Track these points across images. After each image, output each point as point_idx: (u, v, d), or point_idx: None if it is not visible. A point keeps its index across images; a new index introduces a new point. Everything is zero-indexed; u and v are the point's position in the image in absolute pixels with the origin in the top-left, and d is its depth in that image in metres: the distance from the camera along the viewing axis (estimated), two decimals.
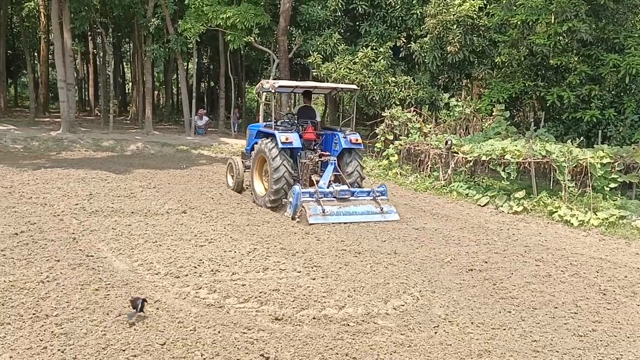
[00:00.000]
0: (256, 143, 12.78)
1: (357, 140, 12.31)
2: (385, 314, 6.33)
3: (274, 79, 24.82)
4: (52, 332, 5.36)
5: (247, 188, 13.68)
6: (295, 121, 12.86)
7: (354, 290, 6.93)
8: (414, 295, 6.95)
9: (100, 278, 6.87)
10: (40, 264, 7.28)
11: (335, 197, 11.30)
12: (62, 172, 14.43)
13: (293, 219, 10.97)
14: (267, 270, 7.52)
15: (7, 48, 33.40)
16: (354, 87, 14.85)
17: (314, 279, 7.30)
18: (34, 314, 5.74)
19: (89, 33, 35.02)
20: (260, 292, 6.61)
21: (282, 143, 11.55)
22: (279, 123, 12.62)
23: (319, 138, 12.75)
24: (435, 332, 5.95)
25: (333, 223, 10.64)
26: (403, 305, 6.60)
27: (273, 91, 12.48)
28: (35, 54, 36.23)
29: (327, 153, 12.32)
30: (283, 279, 7.23)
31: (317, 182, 11.58)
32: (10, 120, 26.99)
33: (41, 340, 5.19)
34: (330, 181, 11.62)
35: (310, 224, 10.47)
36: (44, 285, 6.53)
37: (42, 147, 20.44)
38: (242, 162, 13.89)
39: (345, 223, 10.71)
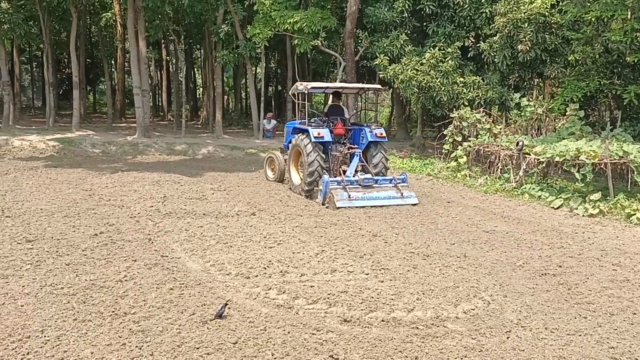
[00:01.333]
0: (293, 138, 14.32)
1: (381, 134, 13.73)
2: (455, 317, 6.25)
3: (341, 82, 24.98)
4: (130, 329, 5.58)
5: (286, 179, 14.82)
6: (326, 118, 14.34)
7: (423, 293, 6.87)
8: (485, 299, 6.82)
9: (175, 278, 7.10)
10: (118, 263, 7.59)
11: (360, 185, 12.73)
12: (138, 175, 14.97)
13: (323, 204, 12.43)
14: (335, 272, 7.56)
15: (86, 57, 35.00)
16: (378, 86, 17.08)
17: (382, 281, 7.28)
18: (113, 311, 5.99)
19: (162, 41, 36.22)
20: (329, 294, 6.66)
21: (315, 137, 13.08)
22: (312, 120, 14.04)
23: (348, 133, 14.23)
24: (508, 337, 5.82)
25: (358, 207, 12.00)
26: (474, 309, 6.49)
27: (306, 92, 13.93)
28: (112, 62, 37.75)
29: (355, 146, 13.71)
30: (351, 281, 7.25)
31: (345, 172, 13.18)
32: (90, 126, 28.24)
33: (120, 337, 5.41)
34: (356, 171, 13.11)
35: (338, 208, 11.90)
36: (122, 284, 6.81)
37: (119, 151, 21.27)
38: (282, 156, 15.37)
39: (369, 207, 12.05)
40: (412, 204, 12.49)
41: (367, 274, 7.52)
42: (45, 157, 18.93)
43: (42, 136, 21.51)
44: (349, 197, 12.24)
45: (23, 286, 6.60)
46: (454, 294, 6.90)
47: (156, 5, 22.07)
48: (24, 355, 5.03)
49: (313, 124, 13.68)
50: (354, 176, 12.92)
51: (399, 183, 13.00)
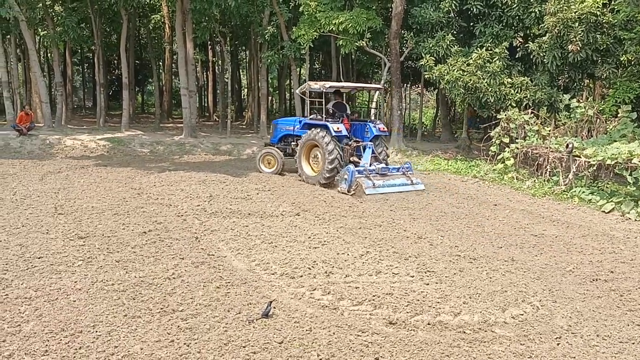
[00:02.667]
0: (287, 135, 16.83)
1: (383, 128, 15.58)
2: (503, 322, 6.14)
3: (385, 82, 24.88)
4: (178, 326, 5.67)
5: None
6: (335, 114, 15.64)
7: (470, 297, 6.77)
8: (534, 305, 6.68)
9: (221, 276, 7.18)
10: (166, 261, 7.73)
11: (377, 173, 14.17)
12: (185, 175, 15.21)
13: (348, 192, 13.61)
14: (380, 274, 7.52)
15: (135, 58, 35.77)
16: (379, 86, 18.90)
17: (428, 284, 7.21)
18: (161, 308, 6.10)
19: (209, 42, 36.70)
20: (374, 296, 6.63)
21: (335, 132, 14.58)
22: (319, 116, 15.48)
23: (351, 128, 15.69)
24: (558, 344, 5.70)
25: (382, 193, 13.43)
26: (522, 315, 6.37)
27: (324, 90, 15.06)
28: (160, 63, 38.46)
29: (359, 140, 15.44)
30: (396, 283, 7.20)
31: (356, 162, 14.68)
32: (138, 126, 28.85)
33: (168, 334, 5.51)
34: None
35: (367, 195, 13.22)
36: (170, 281, 6.93)
37: (167, 151, 21.65)
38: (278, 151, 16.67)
39: (390, 193, 13.52)
40: (420, 190, 14.16)
41: (412, 277, 7.46)
42: (95, 156, 19.43)
43: (92, 136, 22.08)
44: (374, 185, 13.65)
45: (75, 282, 6.78)
46: (502, 299, 6.78)
47: (203, 7, 22.37)
48: (76, 349, 5.17)
49: (330, 120, 15.03)
50: (370, 166, 14.39)
51: (407, 171, 14.68)
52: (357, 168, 14.05)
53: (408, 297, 6.66)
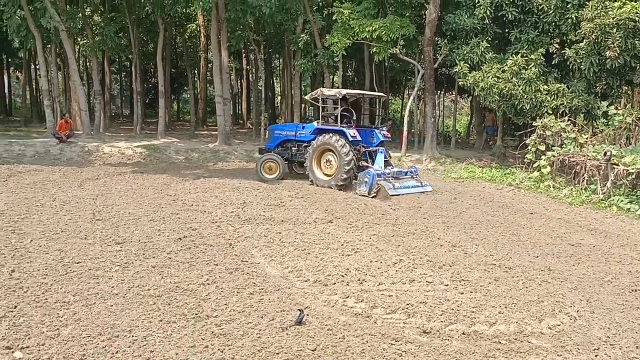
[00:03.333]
0: (286, 140, 17.20)
1: (387, 134, 16.65)
2: (539, 333, 6.04)
3: (419, 90, 24.78)
4: (213, 332, 5.72)
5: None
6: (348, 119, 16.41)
7: (505, 307, 6.68)
8: (571, 315, 6.56)
9: (255, 283, 7.22)
10: (201, 267, 7.81)
11: (392, 176, 15.05)
12: (219, 182, 15.37)
13: (368, 194, 14.35)
14: (414, 282, 7.47)
15: (171, 67, 36.33)
16: (382, 94, 19.17)
17: (462, 293, 7.14)
18: (196, 314, 6.16)
19: (243, 51, 37.07)
20: (407, 304, 6.59)
21: (352, 137, 15.32)
22: (329, 122, 16.40)
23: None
24: (596, 355, 5.58)
25: (401, 194, 14.34)
26: (559, 325, 6.25)
27: (340, 97, 15.85)
28: (195, 71, 39.01)
29: (366, 145, 16.13)
30: (430, 291, 7.14)
31: (366, 167, 15.50)
32: (174, 133, 29.27)
33: (203, 340, 5.55)
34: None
35: (391, 196, 14.10)
36: (204, 287, 7.00)
37: (201, 158, 21.91)
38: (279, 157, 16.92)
39: (407, 194, 14.48)
40: (429, 191, 15.07)
41: (446, 285, 7.39)
42: (132, 163, 19.77)
43: (129, 143, 22.48)
44: (394, 186, 14.56)
45: (112, 287, 6.90)
46: (538, 309, 6.67)
47: (238, 16, 22.65)
48: (112, 354, 5.25)
49: (344, 126, 15.75)
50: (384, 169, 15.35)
51: (414, 174, 15.83)
52: (376, 171, 14.94)
53: (442, 306, 6.60)
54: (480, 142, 27.90)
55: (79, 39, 27.46)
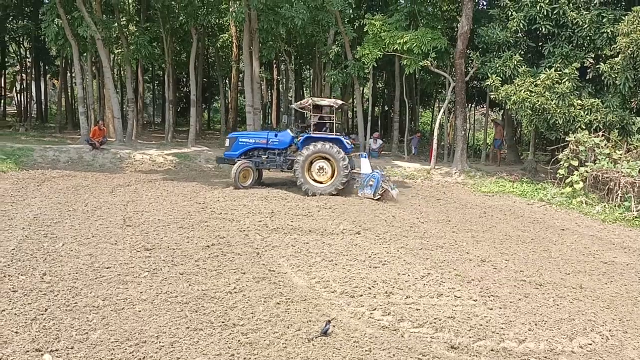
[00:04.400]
0: (254, 148, 16.85)
1: (353, 141, 18.27)
2: (570, 351, 5.92)
3: (450, 102, 24.63)
4: (239, 340, 5.73)
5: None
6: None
7: (535, 324, 6.56)
8: (603, 334, 6.41)
9: (281, 292, 7.22)
10: (228, 275, 7.84)
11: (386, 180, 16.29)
12: (247, 191, 15.45)
13: (373, 197, 15.39)
14: (442, 297, 7.38)
15: (203, 76, 36.75)
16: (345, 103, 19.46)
17: (492, 308, 7.03)
18: (222, 322, 6.18)
19: (274, 61, 37.36)
20: (435, 318, 6.51)
21: (349, 144, 16.39)
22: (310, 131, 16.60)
23: None
24: None
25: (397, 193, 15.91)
26: (590, 344, 6.12)
27: (336, 107, 16.79)
28: (227, 81, 39.43)
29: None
30: (458, 306, 7.05)
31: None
32: (204, 141, 29.54)
33: (229, 348, 5.57)
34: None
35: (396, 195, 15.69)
36: (231, 295, 7.02)
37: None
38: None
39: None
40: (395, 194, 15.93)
41: (475, 300, 7.29)
42: (163, 171, 19.99)
43: (160, 151, 22.74)
44: (392, 188, 15.92)
45: (141, 292, 6.96)
46: (569, 327, 6.54)
47: (271, 27, 22.81)
48: (140, 359, 5.29)
49: (342, 135, 16.58)
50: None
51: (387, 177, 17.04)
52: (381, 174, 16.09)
53: (470, 321, 6.51)
54: (512, 156, 27.57)
55: (114, 48, 27.95)
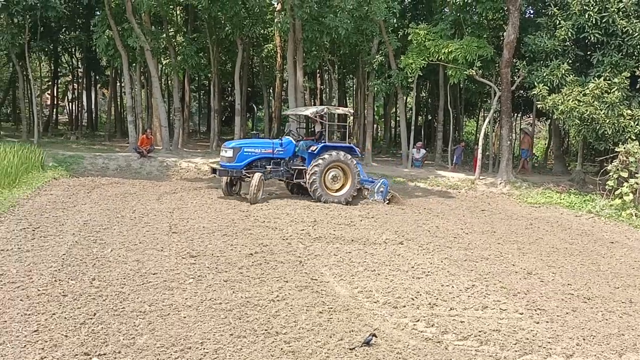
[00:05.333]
0: (260, 158, 15.89)
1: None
2: None
3: (495, 112, 24.31)
4: (282, 348, 5.76)
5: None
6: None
7: (583, 339, 6.41)
8: None
9: (324, 301, 7.23)
10: (271, 283, 7.90)
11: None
12: (290, 199, 15.54)
13: (384, 202, 16.02)
14: (487, 309, 7.28)
15: (247, 86, 37.21)
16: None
17: (538, 322, 6.90)
18: (266, 330, 6.22)
19: (318, 71, 37.55)
20: (480, 331, 6.42)
21: (361, 153, 16.85)
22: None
23: None
24: None
25: None
26: None
27: (350, 115, 17.39)
28: (271, 90, 39.75)
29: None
30: (504, 319, 6.94)
31: None
32: None
33: (272, 356, 5.60)
34: None
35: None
36: (274, 303, 7.06)
37: None
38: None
39: None
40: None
41: (521, 314, 7.17)
42: (208, 179, 20.25)
43: (205, 159, 23.06)
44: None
45: (186, 299, 7.07)
46: (619, 342, 6.37)
47: (315, 36, 22.98)
48: None
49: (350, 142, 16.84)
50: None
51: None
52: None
53: (516, 334, 6.40)
54: (559, 167, 27.00)
55: (162, 58, 28.57)
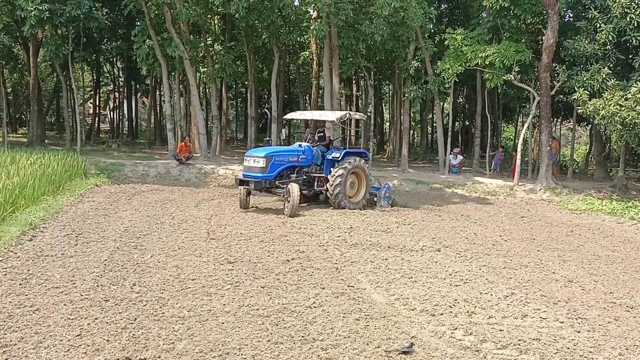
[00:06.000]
0: (289, 167, 15.17)
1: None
2: None
3: (534, 117, 23.94)
4: (318, 355, 5.77)
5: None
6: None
7: (626, 349, 6.27)
8: None
9: (360, 308, 7.23)
10: (308, 290, 7.93)
11: None
12: (328, 206, 15.56)
13: (391, 207, 16.03)
14: (526, 318, 7.17)
15: (284, 93, 37.47)
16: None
17: (579, 331, 6.76)
18: (302, 336, 6.25)
19: (354, 77, 37.57)
20: (519, 340, 6.34)
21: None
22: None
23: None
24: None
25: None
26: None
27: (366, 119, 16.98)
28: (307, 97, 40.00)
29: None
30: (544, 328, 6.83)
31: None
32: None
33: None
34: None
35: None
36: (311, 310, 7.09)
37: None
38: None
39: None
40: None
41: (561, 322, 7.05)
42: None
43: (243, 166, 23.28)
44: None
45: (224, 304, 7.16)
46: None
47: (351, 43, 23.01)
48: None
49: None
50: None
51: None
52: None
53: (557, 344, 6.29)
54: (600, 173, 26.42)
55: (200, 67, 28.99)
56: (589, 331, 6.80)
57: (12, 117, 42.27)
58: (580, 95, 19.70)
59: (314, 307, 7.22)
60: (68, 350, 5.65)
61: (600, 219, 16.45)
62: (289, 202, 14.06)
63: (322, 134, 16.62)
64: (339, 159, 15.34)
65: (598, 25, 20.08)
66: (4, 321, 6.22)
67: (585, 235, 13.49)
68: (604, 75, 19.49)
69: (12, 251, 9.16)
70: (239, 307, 7.09)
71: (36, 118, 29.26)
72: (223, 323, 6.54)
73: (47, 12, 21.74)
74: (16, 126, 43.69)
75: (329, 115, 16.59)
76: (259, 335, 6.23)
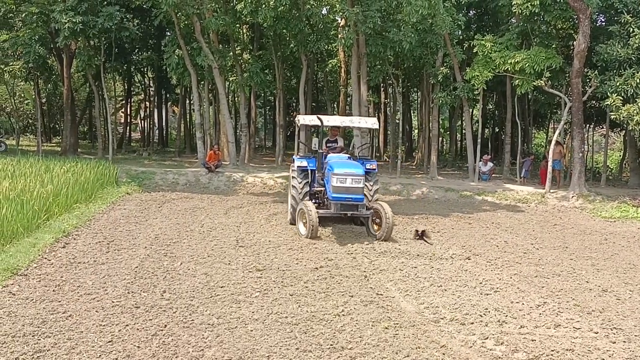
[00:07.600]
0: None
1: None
2: None
3: (566, 123, 23.55)
4: None
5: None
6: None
7: None
8: None
9: (389, 317, 7.18)
10: (336, 298, 7.91)
11: None
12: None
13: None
14: (559, 327, 7.04)
15: (312, 101, 37.57)
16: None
17: (614, 342, 6.61)
18: (331, 344, 6.23)
19: (382, 85, 37.53)
20: (552, 350, 6.22)
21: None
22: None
23: None
24: None
25: None
26: None
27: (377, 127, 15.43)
28: (335, 105, 40.02)
29: None
30: (578, 338, 6.69)
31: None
32: None
33: None
34: None
35: None
36: (339, 318, 7.07)
37: None
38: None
39: None
40: None
41: (596, 333, 6.90)
42: (273, 193, 20.54)
43: (271, 174, 23.39)
44: None
45: (252, 312, 7.18)
46: None
47: (379, 51, 22.98)
48: None
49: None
50: None
51: None
52: None
53: (591, 354, 6.16)
54: (635, 180, 25.88)
55: (229, 76, 29.25)
56: (624, 342, 6.64)
57: (46, 127, 43.17)
58: (614, 101, 19.34)
59: (343, 315, 7.19)
60: (100, 356, 5.72)
61: (635, 227, 16.09)
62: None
63: (334, 143, 15.15)
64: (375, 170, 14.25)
65: (631, 29, 19.72)
66: (38, 327, 6.33)
67: (619, 244, 13.20)
68: (638, 80, 19.12)
69: (45, 258, 9.33)
70: (267, 314, 7.10)
71: (69, 127, 29.79)
72: (252, 331, 6.55)
73: (80, 24, 22.24)
74: (50, 135, 44.62)
75: (365, 123, 15.72)
76: (288, 343, 6.23)
